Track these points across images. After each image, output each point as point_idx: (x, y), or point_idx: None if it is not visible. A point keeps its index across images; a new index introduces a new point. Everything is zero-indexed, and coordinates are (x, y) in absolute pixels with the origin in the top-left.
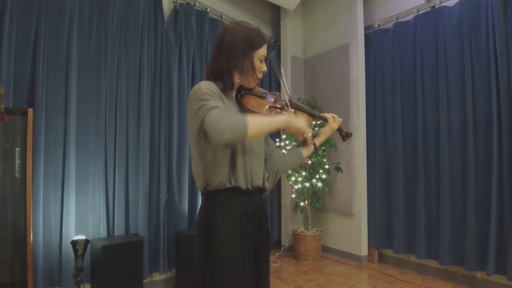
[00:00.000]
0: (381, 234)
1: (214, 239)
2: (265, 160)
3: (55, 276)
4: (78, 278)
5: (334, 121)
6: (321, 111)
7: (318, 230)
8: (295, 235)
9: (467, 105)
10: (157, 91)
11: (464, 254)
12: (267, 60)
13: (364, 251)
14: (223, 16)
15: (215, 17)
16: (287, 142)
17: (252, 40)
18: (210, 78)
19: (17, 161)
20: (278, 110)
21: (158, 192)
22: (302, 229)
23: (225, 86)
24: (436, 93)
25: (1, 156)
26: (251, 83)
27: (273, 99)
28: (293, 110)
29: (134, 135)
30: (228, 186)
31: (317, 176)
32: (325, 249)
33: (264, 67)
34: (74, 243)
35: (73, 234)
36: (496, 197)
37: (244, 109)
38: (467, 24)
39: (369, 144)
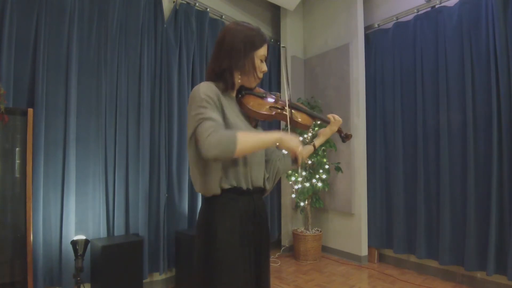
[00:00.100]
0: (381, 234)
1: (214, 239)
2: (266, 161)
3: (55, 276)
4: (78, 278)
5: (334, 119)
6: (321, 111)
7: (318, 230)
8: (295, 235)
9: (467, 105)
10: (157, 91)
11: (464, 254)
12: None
13: (364, 251)
14: (223, 16)
15: (215, 17)
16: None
17: (252, 40)
18: (211, 77)
19: (17, 161)
20: (278, 110)
21: (158, 192)
22: (302, 229)
23: (227, 86)
24: (436, 93)
25: (1, 156)
26: (252, 82)
27: (273, 100)
28: (293, 110)
29: (134, 135)
30: (229, 186)
31: (317, 176)
32: (325, 249)
33: (264, 67)
34: (74, 243)
35: (73, 234)
36: (496, 197)
37: (244, 109)
38: (467, 24)
39: (369, 144)
